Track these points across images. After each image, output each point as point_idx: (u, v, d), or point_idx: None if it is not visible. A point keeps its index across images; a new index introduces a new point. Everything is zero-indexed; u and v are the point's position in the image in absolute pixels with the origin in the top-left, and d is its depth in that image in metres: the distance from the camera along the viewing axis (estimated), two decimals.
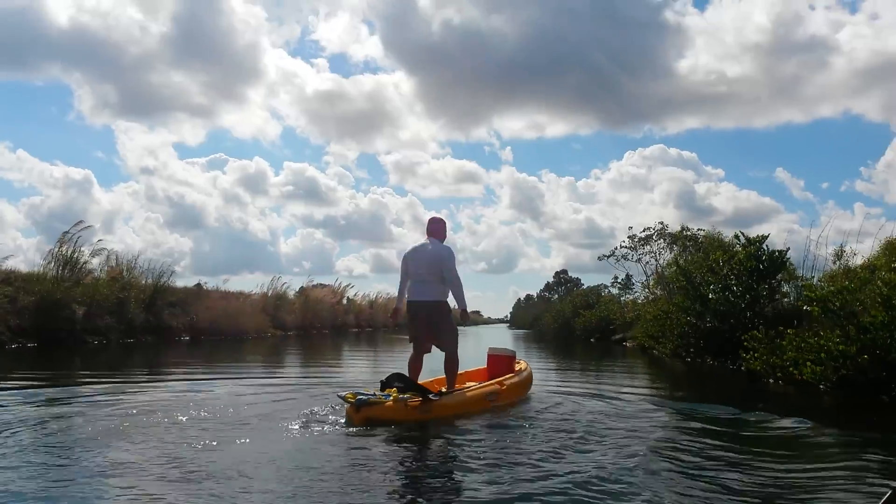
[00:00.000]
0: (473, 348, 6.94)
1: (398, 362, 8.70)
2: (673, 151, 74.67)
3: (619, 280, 24.78)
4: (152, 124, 73.30)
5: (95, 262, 18.49)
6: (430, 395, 5.90)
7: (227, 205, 74.88)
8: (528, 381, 7.59)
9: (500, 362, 7.80)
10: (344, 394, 5.76)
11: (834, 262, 13.15)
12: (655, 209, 70.31)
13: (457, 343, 6.61)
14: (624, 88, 63.15)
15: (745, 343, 7.97)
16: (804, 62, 59.72)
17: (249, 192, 78.12)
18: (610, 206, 75.23)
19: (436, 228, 6.73)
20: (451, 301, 6.68)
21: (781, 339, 7.46)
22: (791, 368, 7.08)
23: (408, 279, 6.65)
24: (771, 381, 7.75)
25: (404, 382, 6.01)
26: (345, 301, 36.67)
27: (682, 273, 11.68)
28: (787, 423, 5.55)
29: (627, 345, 19.19)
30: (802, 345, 6.99)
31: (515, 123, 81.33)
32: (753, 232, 13.26)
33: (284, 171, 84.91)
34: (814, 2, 67.97)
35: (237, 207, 75.49)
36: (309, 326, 27.95)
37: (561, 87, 64.25)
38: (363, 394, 5.71)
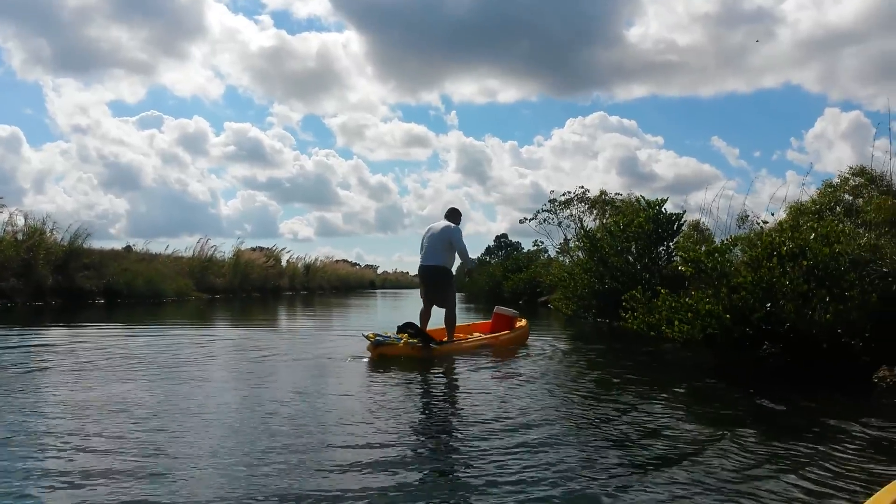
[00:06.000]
0: (418, 306, 8.32)
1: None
2: (613, 119, 75.41)
3: (540, 243, 25.02)
4: (88, 81, 69.85)
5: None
6: (433, 344, 7.43)
7: (166, 165, 72.65)
8: (522, 336, 8.98)
9: (502, 320, 9.24)
10: (367, 333, 7.43)
11: (738, 226, 13.52)
12: (599, 175, 71.19)
13: (455, 303, 8.18)
14: (575, 55, 63.20)
15: (624, 303, 8.09)
16: (751, 32, 60.49)
17: (189, 152, 75.93)
18: (555, 171, 75.69)
19: (450, 214, 8.33)
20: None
21: (657, 299, 7.59)
22: (664, 327, 7.22)
23: (423, 250, 8.09)
24: (667, 338, 8.02)
25: (415, 329, 7.58)
26: (283, 264, 36.22)
27: (585, 235, 11.82)
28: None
29: (551, 306, 19.45)
30: (674, 304, 7.12)
31: (467, 88, 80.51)
32: (694, 199, 13.53)
33: (226, 132, 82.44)
34: None
35: (176, 168, 73.31)
36: (239, 290, 27.47)
37: (513, 53, 63.81)
38: (381, 335, 7.35)
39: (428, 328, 8.00)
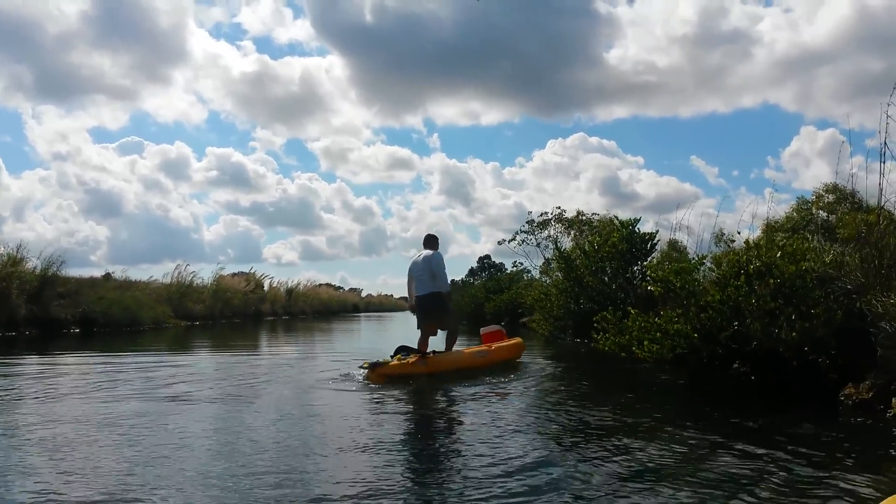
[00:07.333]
0: (402, 329, 8.63)
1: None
2: (594, 140, 76.09)
3: (520, 264, 25.09)
4: (70, 107, 69.40)
5: None
6: (427, 353, 7.93)
7: (147, 191, 72.23)
8: (515, 347, 9.32)
9: (491, 336, 9.47)
10: (362, 363, 7.68)
11: (716, 244, 13.61)
12: (582, 196, 71.67)
13: (457, 322, 8.79)
14: (556, 77, 63.87)
15: (596, 324, 8.09)
16: (728, 53, 61.49)
17: (171, 177, 75.53)
18: (538, 192, 76.00)
19: (429, 242, 8.77)
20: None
21: (627, 320, 7.59)
22: (634, 348, 7.21)
23: (412, 282, 8.50)
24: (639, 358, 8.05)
25: (407, 350, 7.99)
26: (265, 288, 35.96)
27: (560, 257, 11.85)
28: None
29: (529, 327, 19.44)
30: (644, 324, 7.12)
31: (450, 111, 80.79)
32: (675, 217, 13.65)
33: (208, 157, 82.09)
34: None
35: (158, 194, 72.89)
36: (219, 316, 27.19)
37: (495, 75, 64.25)
38: (374, 361, 7.59)
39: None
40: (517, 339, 9.59)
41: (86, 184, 68.04)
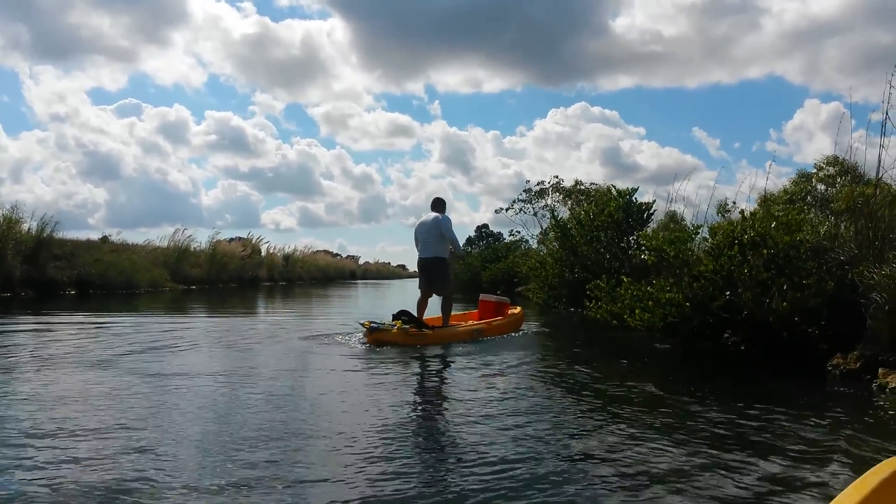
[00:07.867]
0: (399, 297, 8.56)
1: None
2: (595, 110, 75.44)
3: (517, 233, 25.07)
4: (68, 68, 68.60)
5: None
6: (426, 329, 7.80)
7: (146, 154, 71.79)
8: (515, 322, 9.17)
9: (489, 307, 9.46)
10: (363, 321, 7.73)
11: (717, 214, 13.57)
12: (583, 166, 71.34)
13: (452, 290, 8.66)
14: (561, 46, 63.12)
15: (589, 292, 8.09)
16: (736, 23, 60.64)
17: (170, 141, 74.98)
18: (539, 162, 75.59)
19: (436, 205, 8.58)
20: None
21: (620, 288, 7.59)
22: (626, 316, 7.22)
23: (418, 244, 8.43)
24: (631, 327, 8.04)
25: (409, 317, 7.86)
26: (262, 254, 35.96)
27: (556, 225, 11.83)
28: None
29: (524, 296, 19.50)
30: (636, 293, 7.12)
31: (452, 78, 79.95)
32: (675, 189, 13.60)
33: (207, 121, 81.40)
34: None
35: (157, 157, 72.47)
36: (215, 280, 27.22)
37: (498, 43, 63.50)
38: (376, 322, 7.62)
39: (424, 317, 8.29)
40: (518, 312, 9.44)
41: (84, 146, 67.66)
